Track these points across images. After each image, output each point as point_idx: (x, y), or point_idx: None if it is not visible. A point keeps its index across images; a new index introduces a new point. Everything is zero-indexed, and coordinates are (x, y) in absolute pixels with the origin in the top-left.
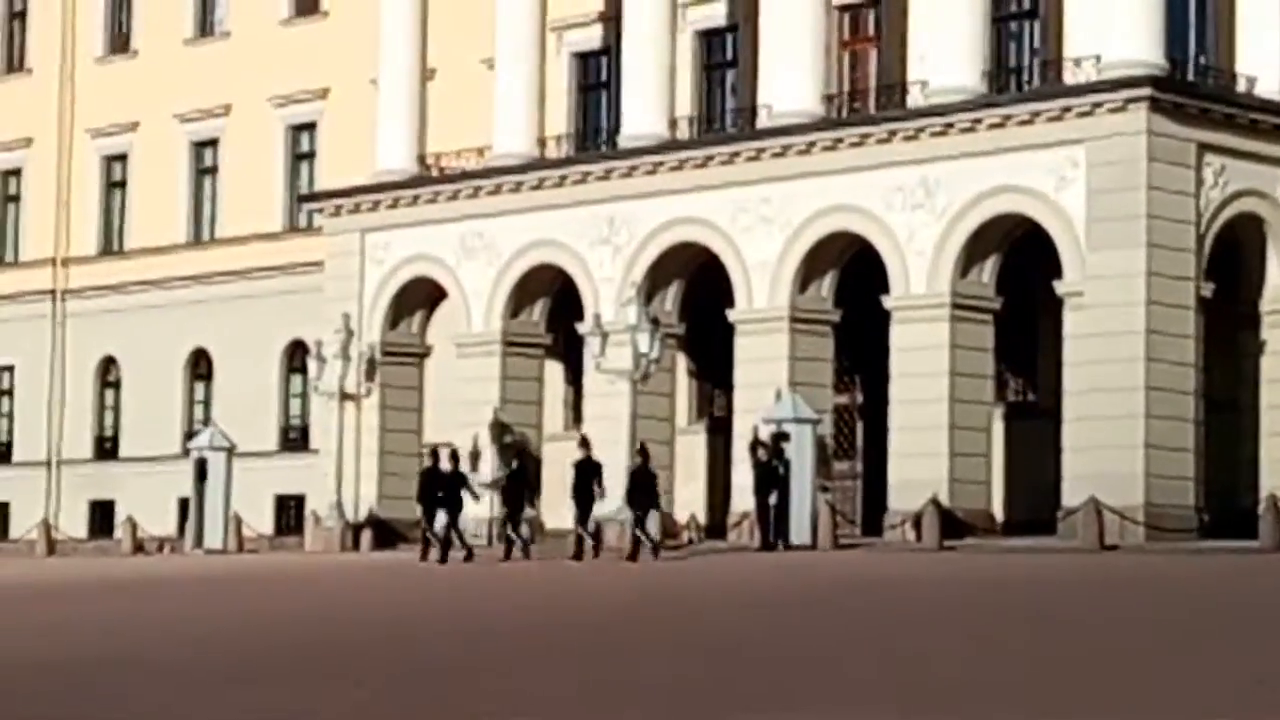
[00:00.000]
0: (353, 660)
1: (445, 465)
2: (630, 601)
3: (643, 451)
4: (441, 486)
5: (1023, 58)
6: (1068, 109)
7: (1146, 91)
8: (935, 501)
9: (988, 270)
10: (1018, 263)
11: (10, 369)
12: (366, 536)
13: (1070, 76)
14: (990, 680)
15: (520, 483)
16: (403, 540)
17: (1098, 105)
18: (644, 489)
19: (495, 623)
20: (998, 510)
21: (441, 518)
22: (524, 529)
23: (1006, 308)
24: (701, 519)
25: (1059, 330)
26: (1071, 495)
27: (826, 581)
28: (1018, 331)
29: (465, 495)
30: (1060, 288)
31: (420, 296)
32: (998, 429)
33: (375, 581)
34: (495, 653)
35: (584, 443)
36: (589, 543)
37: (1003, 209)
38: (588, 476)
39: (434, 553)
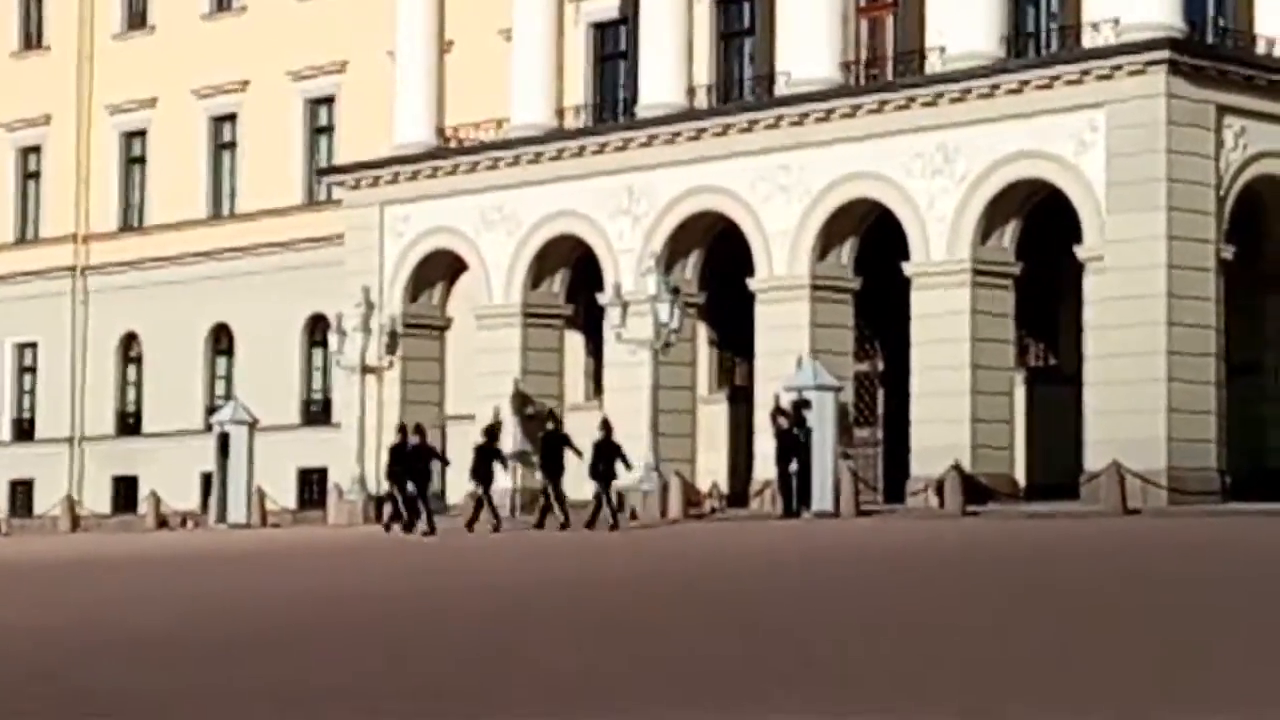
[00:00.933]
0: (389, 633)
1: (413, 440)
2: (652, 571)
3: (605, 426)
4: (406, 461)
5: (1041, 22)
6: (1086, 73)
7: (1165, 54)
8: (957, 467)
9: (1008, 235)
10: (1038, 228)
11: (32, 346)
12: (389, 509)
13: (1089, 40)
14: (1019, 656)
15: (557, 448)
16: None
17: (1116, 69)
18: (608, 460)
19: (533, 596)
20: (1020, 475)
21: (410, 490)
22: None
23: (1027, 273)
24: (724, 487)
25: (1080, 295)
26: (1094, 459)
27: (849, 549)
28: (1038, 296)
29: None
30: (1080, 252)
31: (440, 269)
32: (1019, 394)
33: (403, 554)
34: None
35: (551, 416)
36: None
37: (1022, 174)
38: (556, 450)
39: (421, 524)
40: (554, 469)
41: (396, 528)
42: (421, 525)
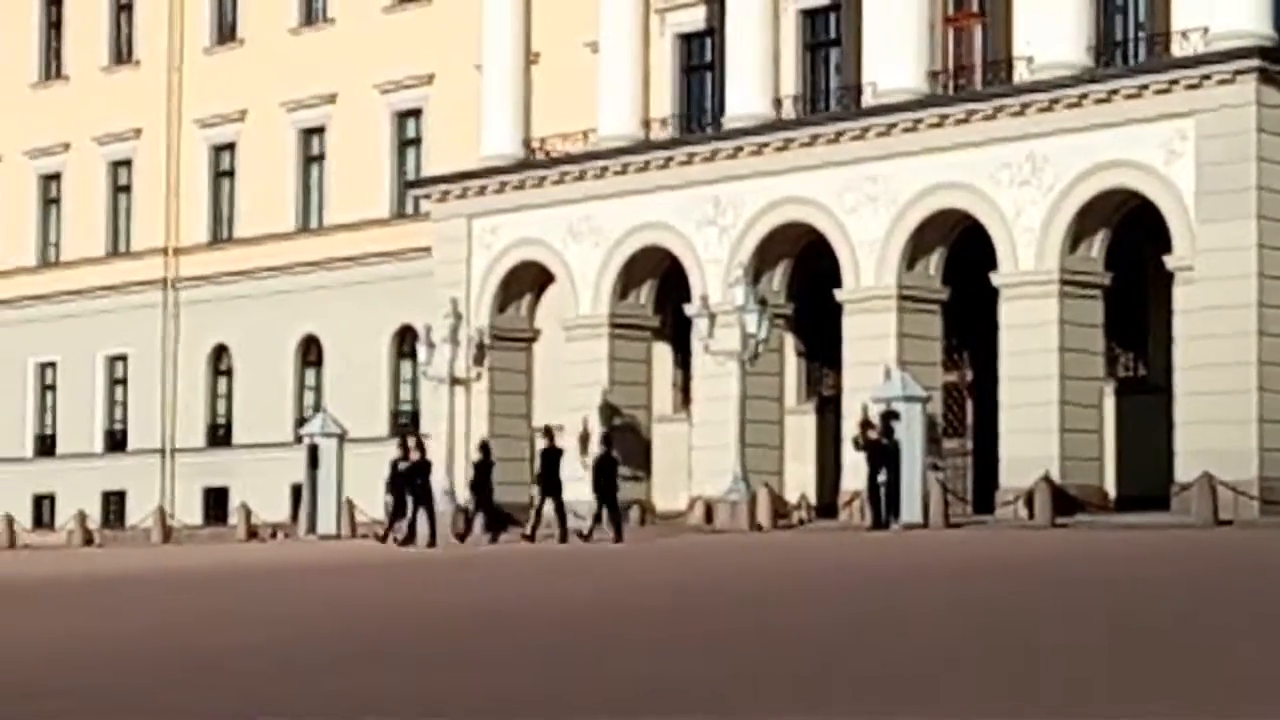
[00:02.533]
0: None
1: (414, 456)
2: (748, 585)
3: (606, 440)
4: (404, 476)
5: (1129, 31)
6: (1175, 82)
7: (1255, 63)
8: (1047, 478)
9: (1096, 245)
10: (1127, 237)
11: (124, 358)
12: (478, 520)
13: (1178, 49)
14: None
15: (555, 464)
16: (514, 523)
17: (1206, 77)
18: (608, 475)
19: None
20: (1110, 486)
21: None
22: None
23: (1116, 283)
24: (812, 498)
25: (1169, 305)
26: (1184, 470)
27: (940, 562)
28: (1128, 307)
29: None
30: (1170, 262)
31: (528, 280)
32: (1109, 405)
33: (497, 567)
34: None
35: (548, 433)
36: (558, 524)
37: (1111, 183)
38: (555, 465)
39: (426, 534)
40: (552, 484)
41: (423, 538)
42: (421, 538)
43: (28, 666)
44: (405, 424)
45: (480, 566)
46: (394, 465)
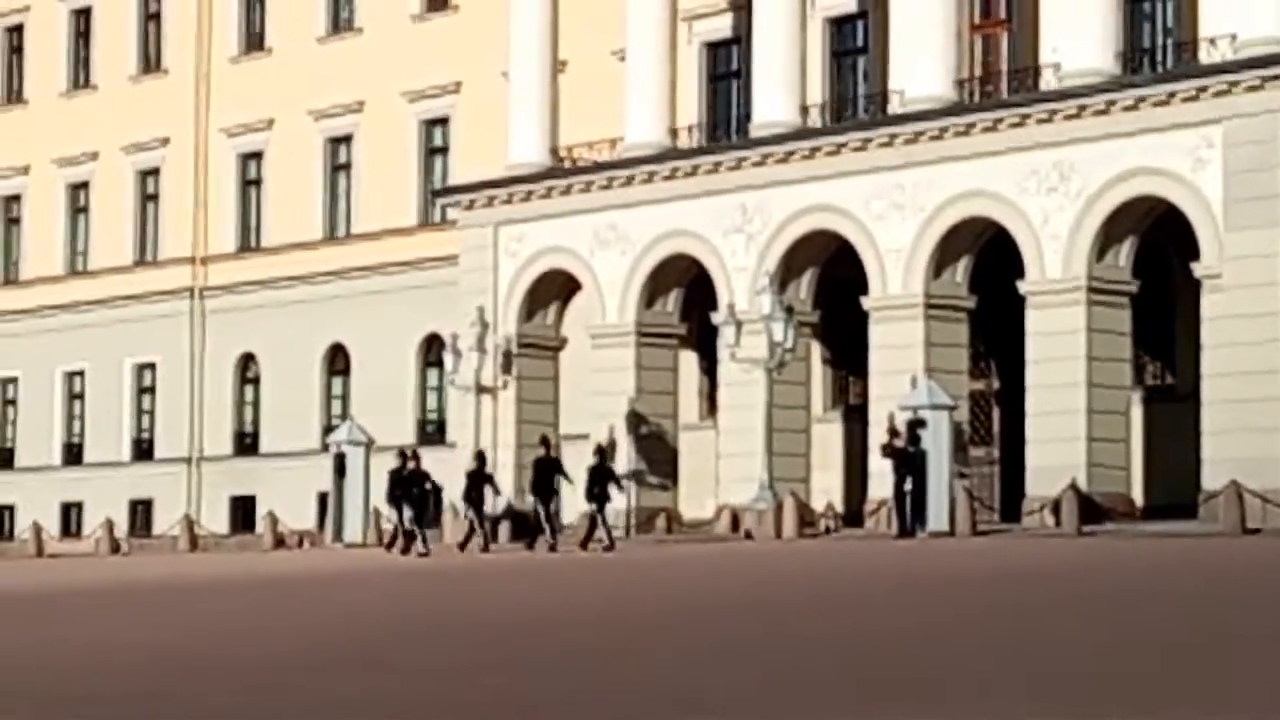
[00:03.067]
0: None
1: (411, 466)
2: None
3: (600, 450)
4: (403, 485)
5: (1156, 38)
6: (1203, 89)
7: None
8: (1074, 487)
9: (1124, 253)
10: (1154, 245)
11: (151, 366)
12: (504, 528)
13: (1205, 56)
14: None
15: (549, 472)
16: (541, 532)
17: (1234, 84)
18: (602, 484)
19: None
20: (1137, 495)
21: (408, 513)
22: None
23: (1143, 290)
24: (838, 507)
25: (1197, 312)
26: (1212, 479)
27: (967, 570)
28: (1155, 315)
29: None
30: (1198, 270)
31: (554, 288)
32: (1136, 413)
33: (525, 576)
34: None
35: (544, 442)
36: (549, 533)
37: (1138, 191)
38: (549, 473)
39: (417, 544)
40: (546, 492)
41: (415, 547)
42: (418, 546)
43: (61, 673)
44: (432, 432)
45: (515, 575)
46: (393, 475)
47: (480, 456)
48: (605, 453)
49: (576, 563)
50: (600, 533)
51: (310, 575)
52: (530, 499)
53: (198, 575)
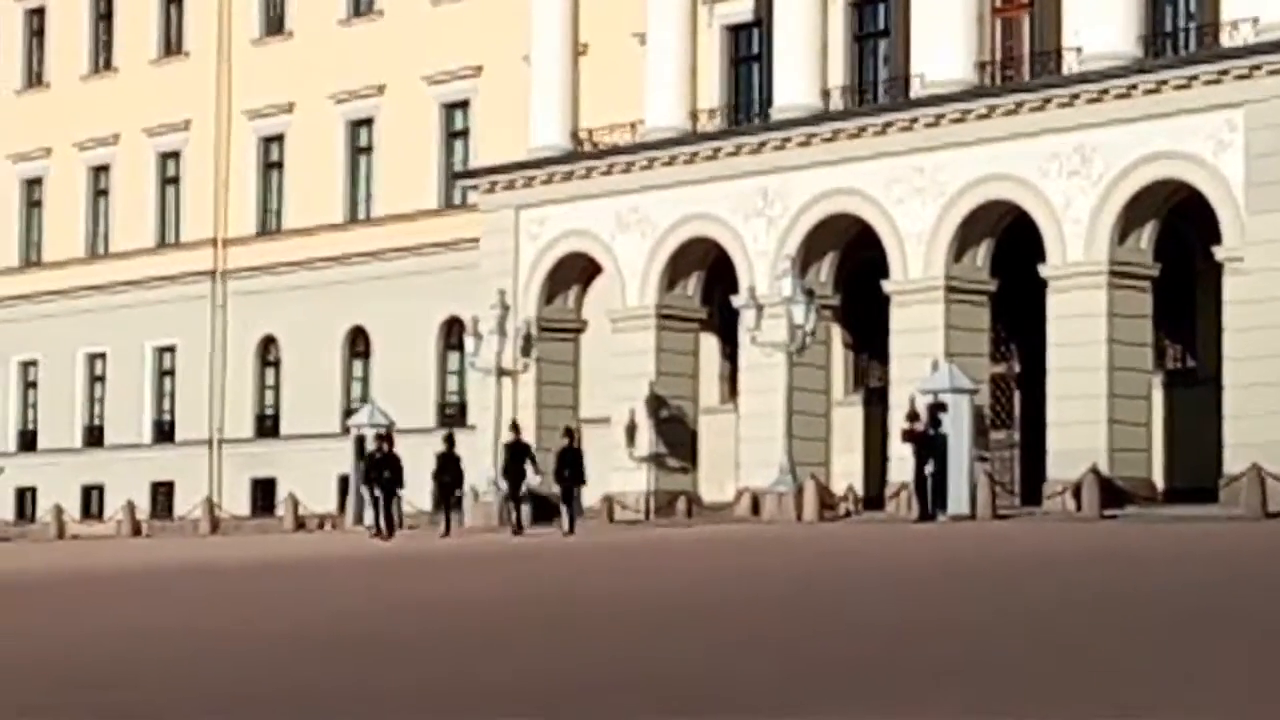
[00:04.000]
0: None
1: (391, 449)
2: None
3: (569, 433)
4: (377, 468)
5: (1178, 21)
6: (1225, 72)
7: None
8: (1095, 470)
9: (1145, 236)
10: (1176, 228)
11: (172, 349)
12: (525, 511)
13: (1227, 39)
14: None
15: (519, 457)
16: (557, 514)
17: (1256, 68)
18: (572, 466)
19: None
20: (1158, 478)
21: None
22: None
23: (1165, 274)
24: (859, 490)
25: (1218, 296)
26: (1233, 462)
27: (988, 554)
28: (1176, 298)
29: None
30: (1219, 253)
31: (575, 272)
32: (1157, 397)
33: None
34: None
35: (514, 427)
36: (522, 516)
37: (1160, 174)
38: (519, 458)
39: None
40: (515, 477)
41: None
42: (383, 530)
43: (91, 658)
44: (452, 415)
45: (537, 558)
46: (369, 458)
47: (450, 439)
48: (574, 435)
49: (565, 547)
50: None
51: (333, 558)
52: (502, 482)
53: (221, 558)
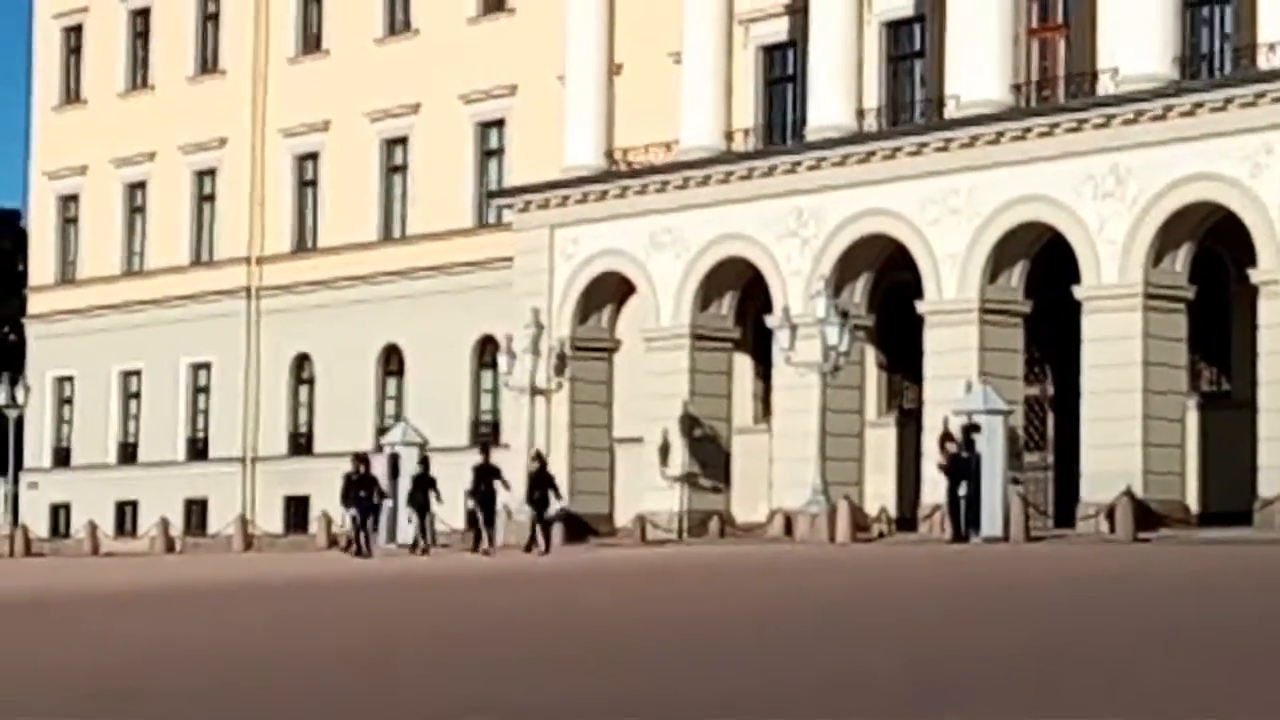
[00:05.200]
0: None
1: (368, 470)
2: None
3: (538, 457)
4: (354, 489)
5: (1214, 43)
6: (1261, 95)
7: None
8: (1129, 493)
9: (1180, 259)
10: (1211, 251)
11: (207, 366)
12: (557, 530)
13: (1264, 61)
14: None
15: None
16: (593, 533)
17: None
18: (542, 489)
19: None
20: (1192, 501)
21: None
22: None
23: (1200, 296)
24: (892, 511)
25: (1254, 319)
26: (1268, 485)
27: (1024, 576)
28: (1211, 320)
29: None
30: (1255, 275)
31: (609, 291)
32: (1191, 419)
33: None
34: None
35: (484, 449)
36: (486, 538)
37: (1195, 197)
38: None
39: (364, 545)
40: (484, 497)
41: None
42: (364, 549)
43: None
44: (485, 434)
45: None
46: (346, 479)
47: (539, 457)
48: (544, 459)
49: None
50: (540, 539)
51: (365, 579)
52: (471, 503)
53: (258, 576)
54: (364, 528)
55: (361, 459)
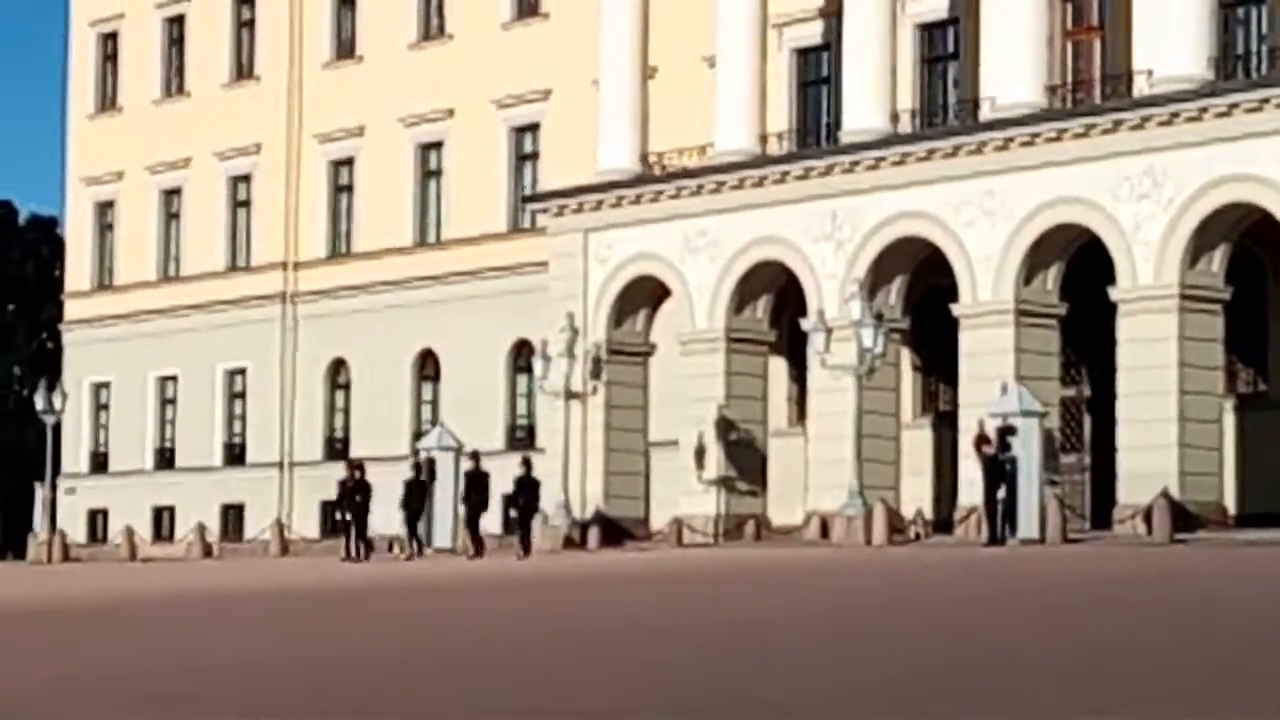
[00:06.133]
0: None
1: (362, 476)
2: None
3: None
4: (349, 495)
5: (1250, 43)
6: None
7: None
8: (1166, 494)
9: (1216, 260)
10: (1248, 251)
11: (243, 372)
12: (594, 534)
13: None
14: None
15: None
16: (629, 537)
17: None
18: (527, 494)
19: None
20: (1230, 503)
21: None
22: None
23: (1236, 297)
24: (928, 514)
25: None
26: None
27: (1059, 579)
28: (1248, 321)
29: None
30: None
31: (644, 295)
32: (1228, 420)
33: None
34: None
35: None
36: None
37: (1231, 197)
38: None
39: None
40: (474, 504)
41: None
42: (358, 555)
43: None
44: (521, 438)
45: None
46: (341, 485)
47: (359, 466)
48: (530, 464)
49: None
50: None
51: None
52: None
53: (300, 583)
54: (360, 532)
55: (356, 466)
